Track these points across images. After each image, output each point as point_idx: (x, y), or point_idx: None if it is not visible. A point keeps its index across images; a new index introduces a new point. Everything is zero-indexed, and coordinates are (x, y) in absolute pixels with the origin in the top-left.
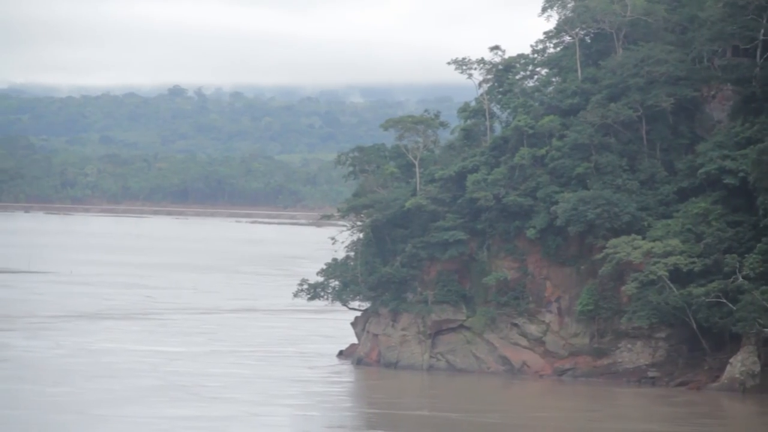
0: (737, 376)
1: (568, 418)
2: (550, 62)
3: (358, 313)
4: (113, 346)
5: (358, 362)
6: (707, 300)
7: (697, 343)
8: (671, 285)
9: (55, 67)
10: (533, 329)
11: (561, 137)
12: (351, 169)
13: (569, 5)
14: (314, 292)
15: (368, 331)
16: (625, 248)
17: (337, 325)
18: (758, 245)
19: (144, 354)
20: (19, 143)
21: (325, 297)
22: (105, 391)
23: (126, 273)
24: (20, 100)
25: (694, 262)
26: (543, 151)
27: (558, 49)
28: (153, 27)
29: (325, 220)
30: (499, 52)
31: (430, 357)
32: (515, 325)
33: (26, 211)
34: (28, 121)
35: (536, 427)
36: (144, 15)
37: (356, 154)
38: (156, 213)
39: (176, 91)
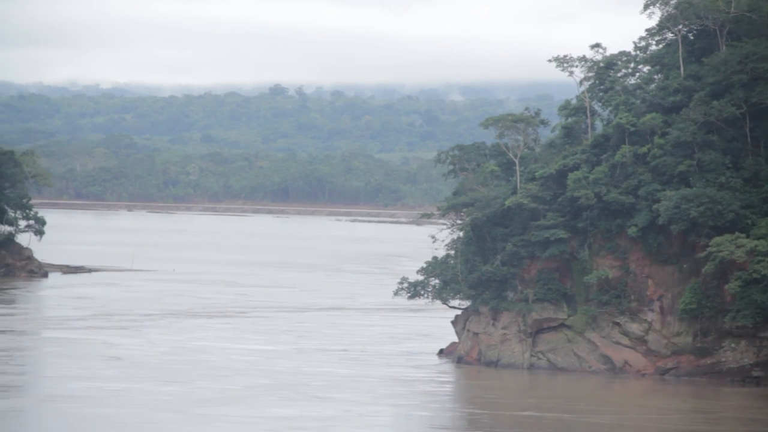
0: None
1: (685, 420)
2: (652, 59)
3: (458, 312)
4: (207, 344)
5: (459, 361)
6: None
7: None
8: None
9: (158, 66)
10: (635, 328)
11: (663, 135)
12: (451, 167)
13: (672, 2)
14: (414, 290)
15: (468, 330)
16: (729, 247)
17: (433, 323)
18: None
19: (239, 352)
20: (122, 142)
21: (425, 295)
22: (214, 390)
23: (226, 271)
24: (124, 100)
25: None
26: (645, 149)
27: (660, 46)
28: (254, 27)
29: (425, 218)
30: (600, 50)
31: (531, 356)
32: (617, 323)
33: (129, 210)
34: (131, 120)
35: (654, 429)
36: (245, 15)
37: (456, 152)
38: (257, 211)
39: (277, 90)
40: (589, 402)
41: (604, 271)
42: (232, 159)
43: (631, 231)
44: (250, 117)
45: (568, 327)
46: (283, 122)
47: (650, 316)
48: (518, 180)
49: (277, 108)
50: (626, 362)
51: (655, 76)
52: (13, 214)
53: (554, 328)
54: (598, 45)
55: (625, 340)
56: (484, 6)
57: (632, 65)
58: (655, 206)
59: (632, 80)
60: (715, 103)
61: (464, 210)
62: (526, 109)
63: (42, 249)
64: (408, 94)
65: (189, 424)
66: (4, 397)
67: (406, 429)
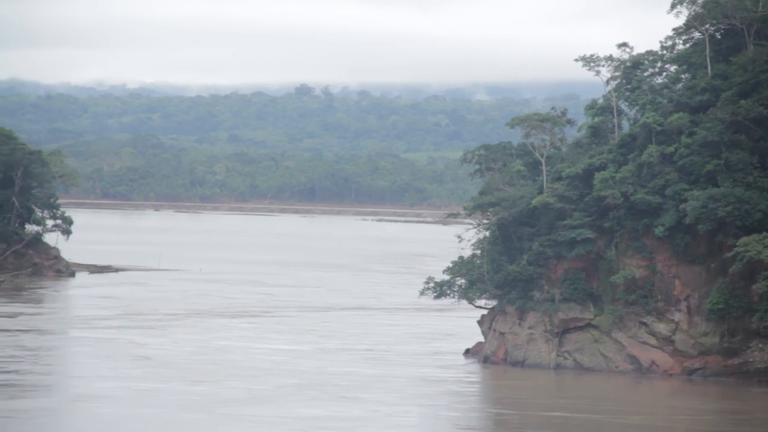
0: None
1: (714, 421)
2: (679, 59)
3: (484, 312)
4: (233, 344)
5: (485, 360)
6: None
7: None
8: None
9: (184, 66)
10: (662, 328)
11: (690, 134)
12: (477, 167)
13: (699, 1)
14: (440, 290)
15: (495, 330)
16: (756, 246)
17: (459, 323)
18: None
19: (265, 352)
20: (149, 142)
21: (451, 295)
22: (242, 390)
23: (252, 271)
24: (151, 100)
25: None
26: (672, 149)
27: (687, 45)
28: (280, 27)
29: (451, 218)
30: (627, 49)
31: (557, 356)
32: (643, 323)
33: (156, 210)
34: (158, 120)
35: (683, 430)
36: (272, 15)
37: (482, 152)
38: (283, 211)
39: (303, 90)
40: (617, 402)
41: (631, 271)
42: (259, 159)
43: (658, 231)
44: (276, 117)
45: (595, 327)
46: (309, 122)
47: (677, 316)
48: (545, 180)
49: (304, 108)
50: (653, 362)
51: (682, 76)
52: (40, 214)
53: (581, 328)
54: (624, 44)
55: (652, 340)
56: (511, 5)
57: (659, 64)
58: (682, 206)
59: (659, 80)
60: (742, 102)
61: (490, 210)
62: (553, 108)
63: (69, 248)
64: (434, 94)
65: (218, 424)
66: (33, 397)
67: (433, 429)
